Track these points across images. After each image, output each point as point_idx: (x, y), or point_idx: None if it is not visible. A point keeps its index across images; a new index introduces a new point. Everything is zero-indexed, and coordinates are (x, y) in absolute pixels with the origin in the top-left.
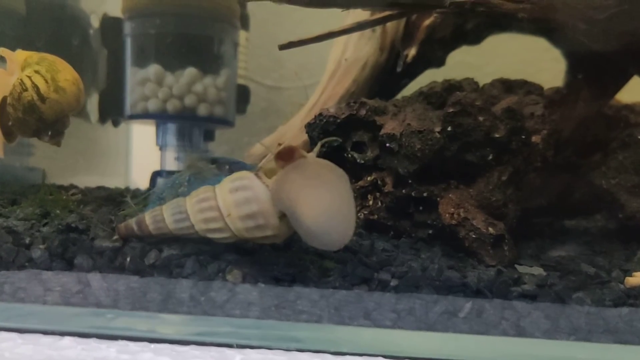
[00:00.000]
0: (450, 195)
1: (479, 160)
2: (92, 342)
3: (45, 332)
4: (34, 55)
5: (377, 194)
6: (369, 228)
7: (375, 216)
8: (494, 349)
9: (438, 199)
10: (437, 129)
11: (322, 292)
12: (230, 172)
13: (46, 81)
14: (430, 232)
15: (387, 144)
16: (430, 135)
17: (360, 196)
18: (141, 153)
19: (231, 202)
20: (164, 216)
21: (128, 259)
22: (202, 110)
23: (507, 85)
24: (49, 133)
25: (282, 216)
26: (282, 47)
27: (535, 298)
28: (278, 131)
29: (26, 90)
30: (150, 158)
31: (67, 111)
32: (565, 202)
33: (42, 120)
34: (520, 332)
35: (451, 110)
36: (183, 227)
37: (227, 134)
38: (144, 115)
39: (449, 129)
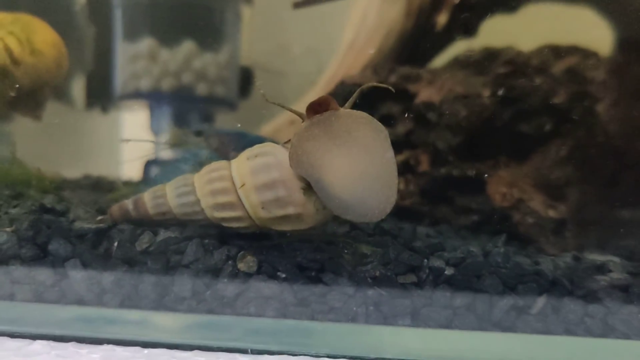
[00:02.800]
0: (500, 172)
1: (534, 130)
2: (70, 347)
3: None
4: (7, 16)
5: (410, 176)
6: (399, 216)
7: (407, 202)
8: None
9: (485, 176)
10: (486, 93)
11: (358, 284)
12: (221, 145)
13: (20, 43)
14: (475, 218)
15: (424, 114)
16: (477, 101)
17: None
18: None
19: (247, 170)
20: (166, 191)
21: (115, 244)
22: (202, 89)
23: (557, 52)
24: (27, 104)
25: (308, 189)
26: (297, 6)
27: (627, 289)
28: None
29: None
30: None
31: (46, 78)
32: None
33: (17, 89)
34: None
35: (503, 70)
36: (187, 202)
37: (227, 118)
38: (136, 96)
39: (500, 92)
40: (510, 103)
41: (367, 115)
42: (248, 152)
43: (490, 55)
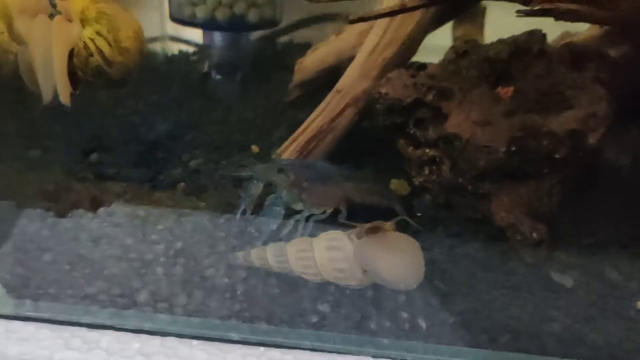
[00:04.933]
0: (503, 198)
1: (535, 171)
2: None
3: None
4: (90, 7)
5: (434, 168)
6: (422, 192)
7: (430, 186)
8: None
9: (492, 198)
10: (503, 148)
11: None
12: (296, 178)
13: (109, 44)
14: (479, 217)
15: (452, 141)
16: (494, 155)
17: (418, 164)
18: None
19: (325, 258)
20: (267, 258)
21: None
22: (252, 16)
23: (578, 56)
24: None
25: (365, 272)
26: (352, 21)
27: None
28: (330, 43)
29: (92, 55)
30: None
31: (132, 67)
32: None
33: (111, 80)
34: None
35: (519, 134)
36: (283, 267)
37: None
38: (190, 22)
39: (513, 148)
40: (519, 156)
41: (404, 236)
42: (325, 242)
43: (517, 50)
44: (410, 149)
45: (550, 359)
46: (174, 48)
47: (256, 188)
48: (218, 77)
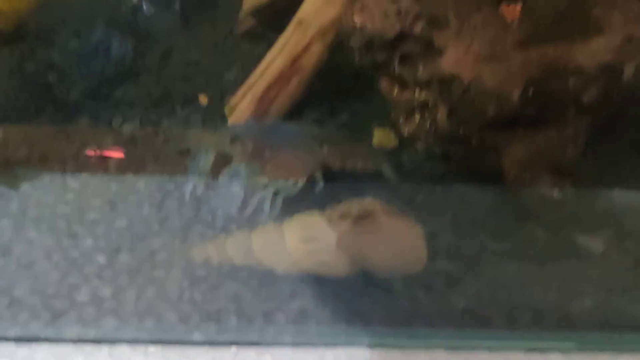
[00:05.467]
0: (517, 149)
1: (557, 118)
2: None
3: None
4: None
5: (426, 115)
6: (413, 142)
7: (421, 136)
8: None
9: (502, 150)
10: (517, 93)
11: None
12: (256, 148)
13: None
14: (487, 173)
15: (448, 82)
16: (506, 102)
17: (406, 110)
18: None
19: (302, 251)
20: (228, 252)
21: None
22: None
23: None
24: None
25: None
26: None
27: None
28: None
29: None
30: None
31: (25, 13)
32: None
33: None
34: None
35: (537, 73)
36: (250, 262)
37: None
38: None
39: (530, 92)
40: (538, 100)
41: (403, 219)
42: (300, 231)
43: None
44: (396, 91)
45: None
46: None
47: (206, 161)
48: (152, 10)
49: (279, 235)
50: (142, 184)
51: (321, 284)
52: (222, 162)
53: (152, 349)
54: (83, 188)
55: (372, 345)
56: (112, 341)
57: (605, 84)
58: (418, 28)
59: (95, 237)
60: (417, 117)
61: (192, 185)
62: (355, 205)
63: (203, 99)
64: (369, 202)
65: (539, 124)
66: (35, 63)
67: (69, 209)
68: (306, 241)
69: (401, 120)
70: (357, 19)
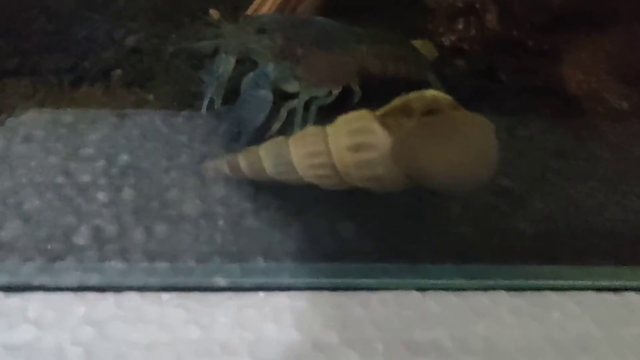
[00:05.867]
0: (579, 54)
1: (629, 7)
2: None
3: None
4: None
5: (472, 19)
6: (454, 55)
7: (466, 46)
8: None
9: (562, 55)
10: None
11: None
12: (287, 42)
13: None
14: (540, 84)
15: None
16: None
17: (448, 16)
18: None
19: (351, 163)
20: (264, 166)
21: None
22: None
23: None
24: None
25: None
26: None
27: None
28: None
29: None
30: None
31: None
32: None
33: None
34: None
35: None
36: (289, 178)
37: None
38: None
39: None
40: None
41: (474, 116)
42: (348, 138)
43: None
44: None
45: None
46: None
47: (225, 64)
48: None
49: (322, 143)
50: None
51: (369, 205)
52: (244, 67)
53: (165, 296)
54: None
55: (421, 287)
56: (118, 288)
57: None
58: None
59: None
60: (461, 23)
61: (209, 95)
62: (417, 99)
63: (214, 13)
64: (432, 94)
65: (606, 22)
66: None
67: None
68: (356, 150)
69: (441, 29)
70: None
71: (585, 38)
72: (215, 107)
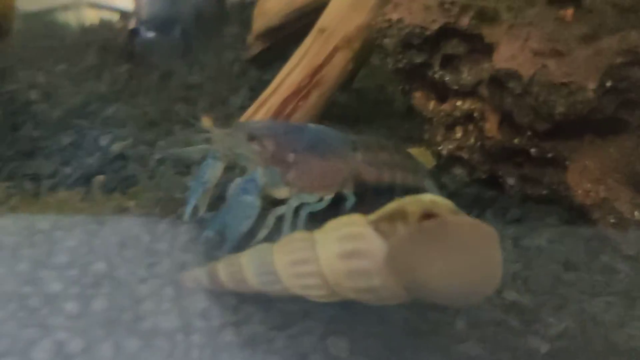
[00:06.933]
0: (586, 161)
1: (636, 119)
2: None
3: None
4: None
5: (471, 127)
6: (452, 164)
7: (465, 155)
8: None
9: (566, 162)
10: (592, 84)
11: None
12: (278, 148)
13: None
14: (545, 192)
15: (503, 82)
16: (581, 95)
17: (445, 125)
18: None
19: (342, 273)
20: (245, 275)
21: None
22: None
23: None
24: None
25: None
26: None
27: None
28: None
29: None
30: None
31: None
32: None
33: None
34: None
35: (620, 60)
36: (273, 290)
37: None
38: None
39: (609, 84)
40: (616, 93)
41: (476, 222)
42: (337, 244)
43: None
44: (432, 103)
45: None
46: (94, 16)
47: (212, 170)
48: (150, 34)
49: (309, 250)
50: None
51: (364, 319)
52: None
53: None
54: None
55: None
56: None
57: None
58: (465, 21)
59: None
60: (459, 132)
61: (193, 201)
62: (413, 203)
63: (207, 121)
64: (430, 198)
65: (609, 132)
66: (18, 81)
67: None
68: (346, 258)
69: (439, 137)
70: (394, 15)
71: (591, 145)
72: (200, 214)
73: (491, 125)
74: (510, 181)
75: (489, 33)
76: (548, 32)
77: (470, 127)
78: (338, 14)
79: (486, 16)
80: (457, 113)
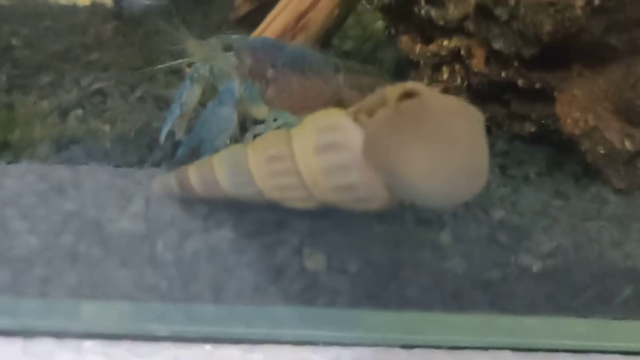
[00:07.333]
0: (575, 90)
1: (624, 44)
2: None
3: None
4: None
5: (457, 67)
6: None
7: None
8: None
9: (555, 93)
10: (580, 2)
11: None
12: (256, 62)
13: None
14: (533, 129)
15: (490, 8)
16: (569, 12)
17: (432, 66)
18: None
19: (318, 168)
20: (217, 177)
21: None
22: None
23: None
24: None
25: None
26: None
27: None
28: None
29: None
30: None
31: None
32: None
33: None
34: None
35: None
36: (247, 193)
37: None
38: None
39: (597, 2)
40: (605, 12)
41: (460, 103)
42: (313, 135)
43: None
44: (419, 46)
45: None
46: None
47: (190, 92)
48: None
49: (285, 145)
50: None
51: (345, 231)
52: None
53: (88, 343)
54: None
55: (407, 344)
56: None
57: None
58: None
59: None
60: (446, 71)
61: (169, 123)
62: (394, 88)
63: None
64: (411, 84)
65: (599, 61)
66: None
67: None
68: (323, 150)
69: (426, 79)
70: None
71: (580, 76)
72: (177, 138)
73: (478, 61)
74: (498, 122)
75: None
76: None
77: (457, 67)
78: None
79: None
80: (444, 52)
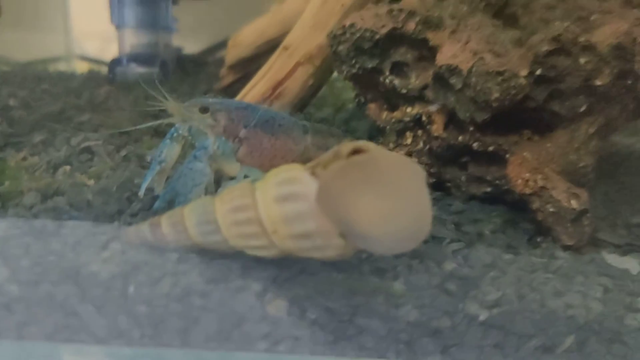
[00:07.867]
0: (524, 153)
1: (567, 111)
2: None
3: None
4: None
5: (419, 132)
6: None
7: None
8: None
9: (507, 155)
10: (523, 72)
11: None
12: (230, 122)
13: None
14: (489, 190)
15: (446, 78)
16: (514, 81)
17: (397, 131)
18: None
19: (278, 217)
20: (186, 225)
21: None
22: None
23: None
24: None
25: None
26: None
27: None
28: (272, 13)
29: None
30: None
31: None
32: None
33: None
34: None
35: (546, 48)
36: (213, 241)
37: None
38: None
39: (538, 72)
40: (547, 84)
41: (403, 158)
42: (274, 188)
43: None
44: (385, 113)
45: None
46: (84, 68)
47: (169, 150)
48: (131, 64)
49: (249, 197)
50: None
51: (304, 281)
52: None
53: None
54: None
55: None
56: None
57: (617, 70)
58: (411, 26)
59: None
60: (409, 137)
61: (149, 177)
62: (346, 145)
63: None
64: (361, 142)
65: (547, 126)
66: None
67: None
68: (282, 201)
69: (391, 144)
70: (348, 22)
71: (529, 140)
72: (155, 193)
73: (438, 126)
74: (456, 183)
75: (434, 37)
76: (486, 35)
77: (419, 132)
78: (301, 33)
79: (431, 23)
80: (407, 118)
